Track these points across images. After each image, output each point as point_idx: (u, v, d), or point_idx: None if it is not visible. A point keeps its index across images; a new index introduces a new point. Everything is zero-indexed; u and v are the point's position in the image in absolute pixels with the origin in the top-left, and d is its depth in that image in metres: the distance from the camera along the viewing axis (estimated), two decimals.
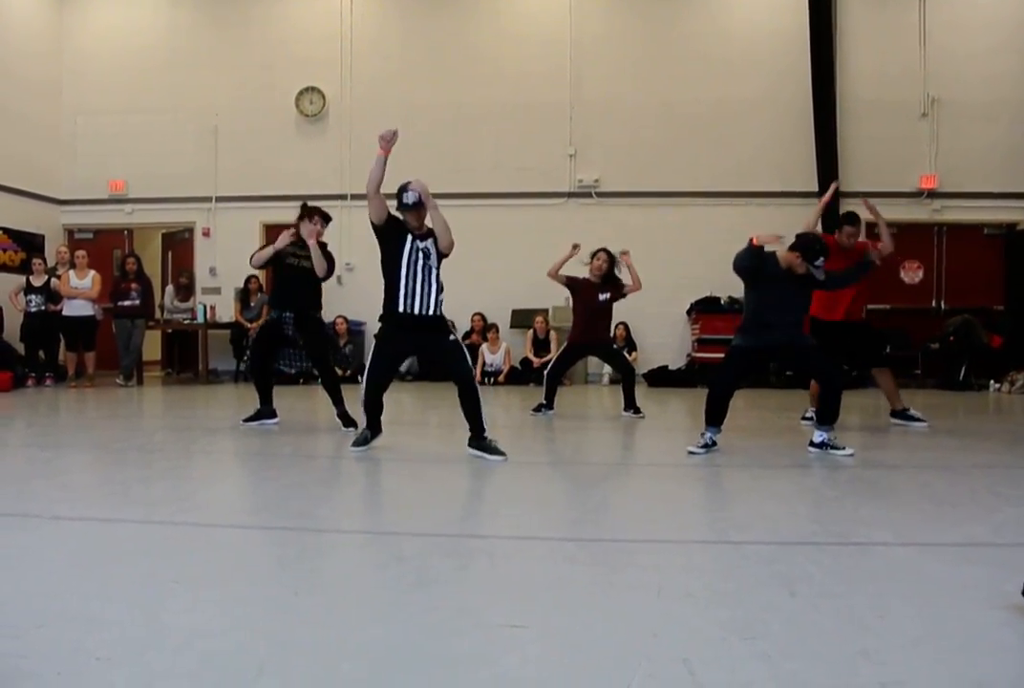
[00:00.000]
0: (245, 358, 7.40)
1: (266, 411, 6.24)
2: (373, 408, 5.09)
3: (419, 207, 4.73)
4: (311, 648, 1.95)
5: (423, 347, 5.15)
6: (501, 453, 4.76)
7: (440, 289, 4.90)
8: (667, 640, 2.00)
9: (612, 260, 7.14)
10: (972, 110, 11.50)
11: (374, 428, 5.13)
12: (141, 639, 2.00)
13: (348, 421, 6.01)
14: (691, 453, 4.94)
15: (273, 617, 2.18)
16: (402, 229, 4.84)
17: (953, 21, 11.60)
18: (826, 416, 4.99)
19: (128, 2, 12.74)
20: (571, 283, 7.20)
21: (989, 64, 11.55)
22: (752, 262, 4.92)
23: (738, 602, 2.30)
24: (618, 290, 7.19)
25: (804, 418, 6.64)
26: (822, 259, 4.86)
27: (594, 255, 7.17)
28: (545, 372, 7.44)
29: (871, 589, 2.42)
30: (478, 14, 12.30)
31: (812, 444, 5.02)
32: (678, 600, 2.31)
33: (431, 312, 4.84)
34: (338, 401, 6.10)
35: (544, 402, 7.21)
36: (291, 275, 6.05)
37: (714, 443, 5.06)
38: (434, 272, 4.86)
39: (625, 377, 7.32)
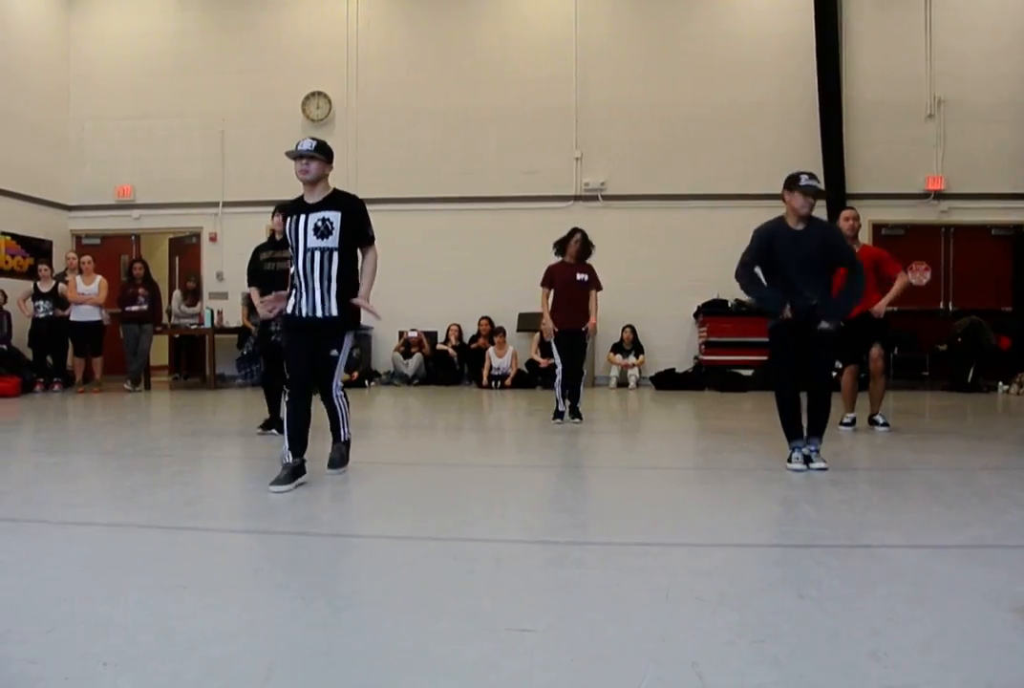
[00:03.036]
0: (245, 372, 7.08)
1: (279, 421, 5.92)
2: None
3: (310, 156, 4.06)
4: (318, 653, 1.95)
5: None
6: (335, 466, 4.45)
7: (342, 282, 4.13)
8: (675, 644, 1.99)
9: (587, 241, 6.96)
10: (978, 111, 11.47)
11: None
12: (148, 644, 2.00)
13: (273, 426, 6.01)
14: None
15: (280, 622, 2.18)
16: (296, 206, 4.20)
17: (959, 22, 11.59)
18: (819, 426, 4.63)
19: (135, 8, 12.82)
20: (548, 276, 7.01)
21: (995, 65, 11.53)
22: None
23: (746, 605, 2.29)
24: (594, 280, 6.96)
25: (842, 423, 6.41)
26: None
27: (571, 238, 6.95)
28: (555, 383, 7.07)
29: (880, 592, 2.41)
30: (483, 19, 12.33)
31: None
32: (686, 603, 2.30)
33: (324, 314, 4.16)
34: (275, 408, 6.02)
35: (560, 409, 6.98)
36: (272, 280, 5.56)
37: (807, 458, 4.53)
38: (335, 259, 4.10)
39: (574, 380, 7.04)
